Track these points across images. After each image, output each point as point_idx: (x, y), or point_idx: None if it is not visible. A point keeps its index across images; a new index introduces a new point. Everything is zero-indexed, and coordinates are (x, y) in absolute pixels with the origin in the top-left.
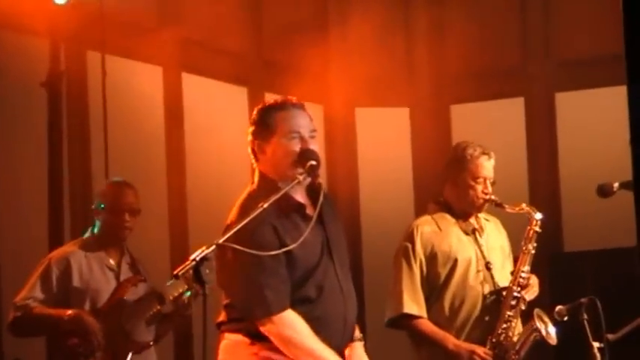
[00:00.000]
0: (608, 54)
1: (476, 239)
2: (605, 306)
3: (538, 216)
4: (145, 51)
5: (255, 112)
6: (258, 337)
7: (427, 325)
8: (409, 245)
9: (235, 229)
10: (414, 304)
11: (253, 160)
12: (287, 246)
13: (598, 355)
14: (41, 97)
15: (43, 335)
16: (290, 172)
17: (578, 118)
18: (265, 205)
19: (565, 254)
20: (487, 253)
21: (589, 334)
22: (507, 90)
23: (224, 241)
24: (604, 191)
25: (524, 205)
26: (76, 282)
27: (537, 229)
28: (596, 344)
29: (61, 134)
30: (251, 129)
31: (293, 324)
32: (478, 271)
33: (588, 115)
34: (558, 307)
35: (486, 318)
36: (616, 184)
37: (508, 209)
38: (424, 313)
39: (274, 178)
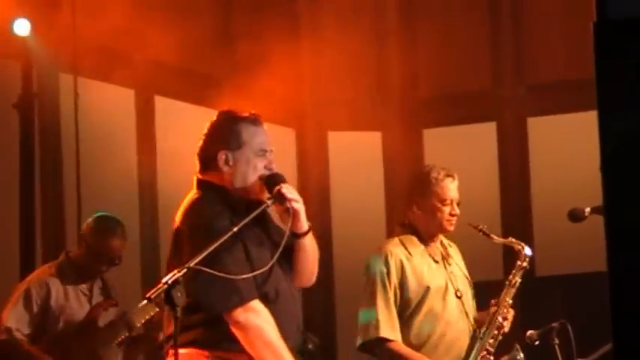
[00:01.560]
0: (579, 79)
1: (445, 267)
2: (576, 330)
3: (528, 252)
4: (117, 74)
5: (217, 118)
6: (209, 346)
7: (401, 347)
8: (384, 269)
9: (208, 251)
10: (389, 328)
11: (200, 167)
12: (245, 243)
13: None
14: (13, 119)
15: None
16: (255, 191)
17: (550, 143)
18: (235, 230)
19: (536, 279)
20: (456, 282)
21: (560, 359)
22: (479, 114)
23: (195, 264)
24: (575, 216)
25: (512, 239)
26: (53, 307)
27: (526, 264)
28: None
29: (32, 156)
30: (210, 134)
31: (263, 313)
32: (449, 299)
33: (560, 139)
34: (529, 332)
35: (457, 346)
36: (587, 209)
37: (496, 240)
38: (398, 337)
39: (228, 188)
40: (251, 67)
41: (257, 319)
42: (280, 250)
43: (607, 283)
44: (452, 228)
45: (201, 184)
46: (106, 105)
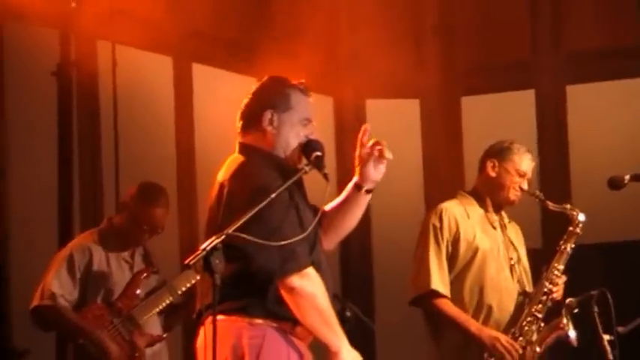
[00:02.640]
0: (618, 46)
1: (502, 234)
2: (616, 298)
3: (581, 217)
4: (155, 41)
5: (268, 80)
6: (257, 315)
7: (450, 306)
8: (437, 224)
9: (247, 217)
10: (440, 282)
11: (242, 128)
12: (298, 208)
13: (608, 347)
14: (52, 87)
15: (58, 334)
16: (293, 157)
17: (589, 111)
18: (273, 195)
19: (576, 246)
20: (509, 250)
21: (599, 327)
22: (518, 82)
23: (234, 230)
24: (615, 183)
25: (568, 206)
26: (95, 273)
27: (579, 230)
28: (606, 337)
29: (71, 123)
30: (264, 95)
31: (318, 280)
32: (499, 265)
33: (599, 107)
34: (569, 300)
35: (502, 311)
36: (627, 177)
37: (552, 207)
38: (449, 293)
39: (272, 152)
40: (289, 35)
41: (312, 286)
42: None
43: None
44: (515, 200)
45: (245, 148)
46: (143, 73)
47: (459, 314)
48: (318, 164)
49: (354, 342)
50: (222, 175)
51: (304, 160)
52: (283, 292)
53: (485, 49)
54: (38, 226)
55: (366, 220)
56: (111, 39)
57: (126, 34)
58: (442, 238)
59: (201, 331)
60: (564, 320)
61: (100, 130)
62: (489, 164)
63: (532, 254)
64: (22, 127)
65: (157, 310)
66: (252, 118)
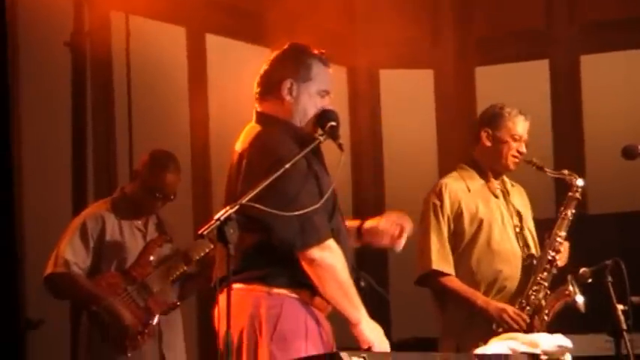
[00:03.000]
0: (633, 16)
1: (505, 202)
2: (630, 268)
3: (580, 182)
4: (168, 11)
5: (289, 48)
6: (277, 284)
7: (455, 282)
8: (437, 202)
9: (261, 187)
10: (442, 261)
11: (260, 95)
12: (318, 178)
13: (622, 317)
14: (65, 57)
15: (71, 300)
16: (309, 126)
17: (603, 81)
18: (287, 166)
19: (589, 216)
20: (513, 217)
21: (613, 297)
22: (532, 52)
23: (248, 200)
24: (629, 153)
25: (565, 171)
26: (108, 241)
27: (578, 195)
28: (620, 306)
29: (85, 93)
30: (284, 63)
31: (338, 251)
32: (504, 233)
33: (613, 77)
34: (582, 269)
35: (513, 280)
36: None
37: (549, 173)
38: (452, 271)
39: (289, 121)
40: (302, 5)
41: (332, 258)
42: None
43: None
44: (514, 167)
45: (263, 117)
46: (157, 43)
47: (464, 289)
48: (333, 134)
49: (369, 311)
50: (241, 144)
51: (319, 130)
52: (304, 264)
53: (499, 19)
54: (52, 195)
55: (380, 192)
56: (124, 9)
57: (139, 5)
58: (443, 216)
59: (220, 299)
60: (570, 287)
61: (113, 100)
62: (483, 134)
63: (546, 224)
64: (36, 96)
65: (172, 278)
66: (271, 85)
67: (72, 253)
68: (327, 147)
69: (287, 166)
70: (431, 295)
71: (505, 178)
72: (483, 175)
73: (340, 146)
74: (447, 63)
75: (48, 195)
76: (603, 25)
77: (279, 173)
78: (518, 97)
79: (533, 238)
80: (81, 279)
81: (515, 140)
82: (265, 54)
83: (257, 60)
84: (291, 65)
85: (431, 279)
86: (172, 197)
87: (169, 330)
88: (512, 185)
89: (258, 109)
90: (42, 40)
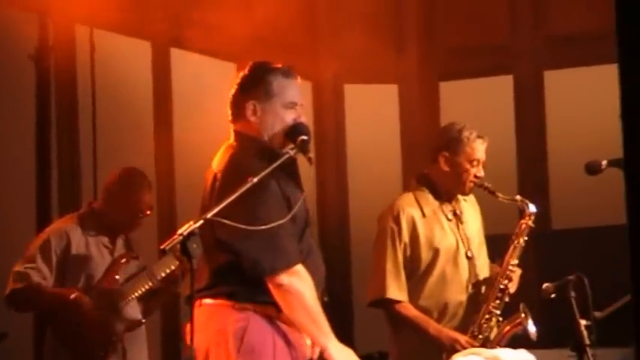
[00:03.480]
0: (597, 31)
1: (457, 226)
2: (593, 283)
3: (532, 209)
4: (133, 25)
5: (250, 68)
6: (245, 300)
7: (409, 310)
8: (395, 228)
9: (226, 203)
10: (396, 288)
11: (231, 117)
12: (289, 200)
13: (585, 332)
14: (29, 71)
15: (39, 311)
16: (279, 141)
17: (567, 96)
18: (255, 180)
19: (553, 232)
20: (467, 242)
21: (576, 312)
22: (496, 67)
23: (213, 215)
24: (592, 169)
25: (518, 197)
26: (73, 257)
27: (531, 223)
28: (583, 322)
29: (49, 106)
30: (241, 84)
31: (306, 276)
32: (460, 261)
33: (577, 93)
34: (545, 285)
35: (466, 308)
36: (604, 162)
37: (501, 198)
38: (406, 298)
39: (259, 140)
40: (266, 20)
41: (300, 284)
42: (299, 204)
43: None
44: (470, 191)
45: (237, 135)
46: (122, 57)
47: (417, 317)
48: (304, 148)
49: (333, 326)
50: (217, 164)
51: (290, 144)
52: (271, 288)
53: (463, 34)
54: (16, 211)
55: (344, 206)
56: (89, 23)
57: (104, 19)
58: (400, 242)
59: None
60: (522, 315)
61: (78, 114)
62: (441, 159)
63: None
64: (0, 111)
65: (137, 295)
66: (237, 108)
67: (32, 269)
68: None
69: (255, 180)
70: (385, 318)
71: (458, 196)
72: (438, 197)
73: (310, 160)
74: (411, 77)
75: (11, 210)
76: (567, 40)
77: (242, 190)
78: (482, 112)
79: (484, 257)
80: (42, 286)
81: (473, 166)
82: (230, 68)
83: (222, 74)
84: (253, 87)
85: (384, 304)
86: (149, 213)
87: (133, 347)
88: (465, 200)
89: (234, 128)
90: (6, 53)
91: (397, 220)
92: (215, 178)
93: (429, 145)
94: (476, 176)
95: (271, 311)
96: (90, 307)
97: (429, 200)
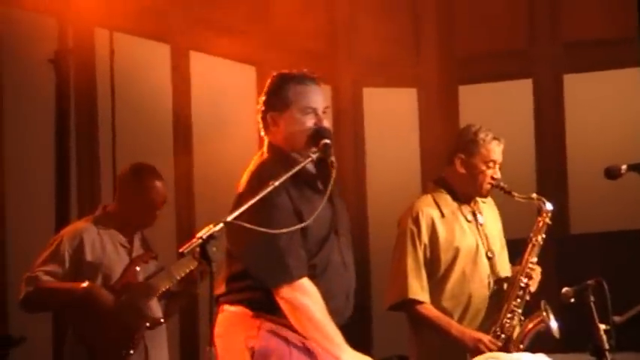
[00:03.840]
0: (616, 36)
1: (477, 227)
2: (612, 288)
3: (549, 207)
4: (152, 28)
5: (270, 81)
6: (261, 309)
7: (431, 311)
8: (415, 229)
9: (245, 207)
10: (418, 289)
11: (262, 131)
12: (301, 214)
13: (604, 337)
14: (49, 75)
15: (55, 309)
16: (302, 147)
17: (586, 100)
18: (276, 184)
19: (572, 236)
20: (487, 242)
21: (595, 316)
22: (515, 71)
23: (233, 218)
24: (612, 173)
25: (534, 195)
26: (88, 258)
27: (548, 220)
28: (602, 326)
29: (68, 110)
30: (263, 98)
31: (311, 292)
32: (480, 261)
33: (596, 97)
34: (565, 289)
35: (487, 308)
36: (624, 167)
37: (517, 198)
38: (428, 299)
39: (286, 150)
40: (286, 23)
41: (303, 299)
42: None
43: None
44: (488, 193)
45: (269, 147)
46: (141, 60)
47: (439, 318)
48: (326, 151)
49: (351, 330)
50: (248, 169)
51: (313, 148)
52: (278, 300)
53: (483, 38)
54: (35, 215)
55: (363, 211)
56: (108, 26)
57: (123, 22)
58: (420, 243)
59: (218, 318)
60: (544, 313)
61: (97, 118)
62: (457, 161)
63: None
64: (20, 114)
65: (157, 294)
66: (264, 121)
67: (44, 272)
68: None
69: (276, 183)
70: (406, 319)
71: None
72: (456, 199)
73: (332, 164)
74: (431, 82)
75: (31, 214)
76: (586, 44)
77: (261, 195)
78: (501, 116)
79: (504, 258)
80: (51, 283)
81: (489, 167)
82: (250, 72)
83: (241, 78)
84: (271, 98)
85: (406, 306)
86: (162, 205)
87: (155, 346)
88: (484, 202)
89: (265, 136)
90: (25, 57)
91: (417, 222)
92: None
93: (446, 148)
94: (493, 178)
95: (288, 321)
96: (107, 297)
97: (447, 201)
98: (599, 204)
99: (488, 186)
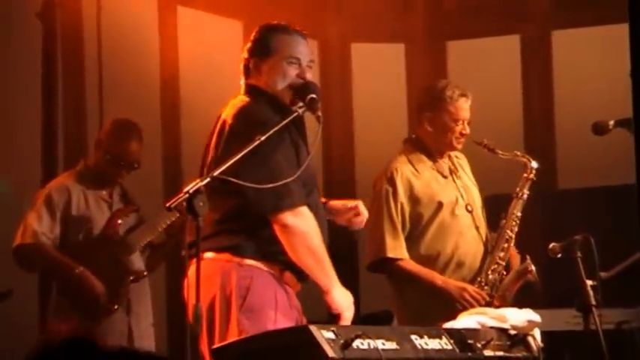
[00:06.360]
0: None
1: (454, 182)
2: (599, 244)
3: (534, 164)
4: None
5: (256, 31)
6: (250, 254)
7: (411, 264)
8: (390, 189)
9: (233, 160)
10: (395, 247)
11: (242, 76)
12: (298, 156)
13: (591, 292)
14: (36, 28)
15: (42, 272)
16: (287, 98)
17: (575, 56)
18: (262, 138)
19: (559, 191)
20: (466, 195)
21: (582, 272)
22: (503, 27)
23: (219, 173)
24: (599, 129)
25: (518, 153)
26: (74, 212)
27: (532, 177)
28: (589, 282)
29: (55, 64)
30: (248, 46)
31: (311, 219)
32: (459, 213)
33: (584, 53)
34: (552, 245)
35: (469, 256)
36: (611, 122)
37: (501, 155)
38: (406, 255)
39: (269, 92)
40: None
41: (305, 225)
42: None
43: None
44: (460, 146)
45: (249, 88)
46: (128, 14)
47: (421, 270)
48: (313, 106)
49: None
50: (227, 112)
51: (299, 102)
52: (276, 229)
53: None
54: (22, 165)
55: (350, 165)
56: None
57: None
58: (396, 202)
59: (190, 270)
60: (532, 267)
61: (84, 70)
62: (425, 119)
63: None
64: (6, 66)
65: (139, 247)
66: (245, 68)
67: (39, 224)
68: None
69: (263, 138)
70: (387, 281)
71: (450, 153)
72: (430, 156)
73: (319, 119)
74: (418, 37)
75: (17, 165)
76: (574, 0)
77: (250, 147)
78: (489, 72)
79: (480, 210)
80: (50, 249)
81: (457, 124)
82: (236, 27)
83: (227, 32)
84: (254, 45)
85: (385, 265)
86: (136, 166)
87: (138, 300)
88: (457, 157)
89: (245, 82)
90: (13, 11)
91: (391, 181)
92: (223, 124)
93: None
94: (461, 134)
95: (276, 270)
96: (91, 253)
97: (421, 159)
98: (587, 159)
99: (458, 141)
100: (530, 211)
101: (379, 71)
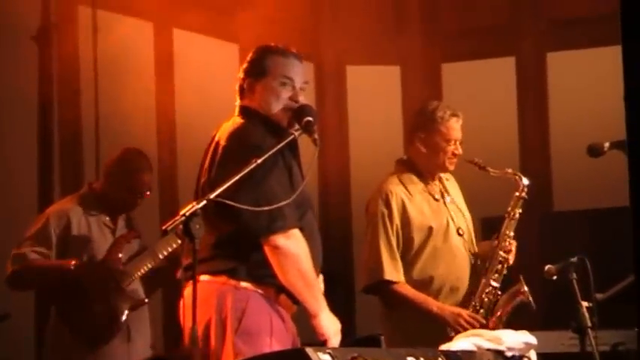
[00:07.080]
0: (600, 13)
1: (445, 205)
2: (595, 265)
3: (525, 182)
4: (136, 6)
5: (252, 52)
6: (244, 277)
7: (407, 289)
8: (385, 211)
9: (230, 183)
10: (393, 270)
11: (237, 97)
12: (292, 173)
13: (586, 314)
14: (32, 51)
15: (42, 287)
16: (277, 116)
17: (570, 78)
18: (259, 161)
19: (555, 213)
20: (456, 218)
21: (578, 294)
22: (498, 49)
23: (217, 195)
24: (594, 151)
25: (509, 170)
26: (74, 237)
27: (524, 195)
28: (584, 303)
29: (51, 87)
30: (244, 66)
31: (303, 243)
32: (451, 238)
33: (579, 75)
34: (547, 267)
35: (463, 281)
36: (606, 144)
37: (492, 173)
38: (402, 279)
39: (262, 114)
40: (269, 1)
41: (296, 248)
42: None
43: (628, 218)
44: (452, 167)
45: (244, 109)
46: (124, 38)
47: (417, 295)
48: (309, 129)
49: (334, 308)
50: (220, 133)
51: (296, 125)
52: (267, 250)
53: (466, 15)
54: (18, 191)
55: (345, 188)
56: (91, 4)
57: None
58: (392, 225)
59: (185, 292)
60: (524, 287)
61: (80, 95)
62: (417, 140)
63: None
64: (2, 91)
65: (140, 274)
66: (240, 87)
67: (31, 250)
68: (301, 142)
69: (259, 161)
70: (379, 303)
71: (441, 174)
72: (422, 178)
73: (315, 141)
74: (414, 59)
75: (13, 191)
76: (570, 22)
77: (247, 170)
78: (484, 94)
79: (470, 233)
80: (39, 261)
81: (449, 144)
82: (232, 50)
83: (223, 55)
84: (249, 66)
85: (382, 287)
86: (149, 194)
87: (137, 326)
88: (447, 179)
89: (239, 103)
90: (8, 34)
91: (387, 203)
92: (217, 146)
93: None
94: (454, 154)
95: (270, 293)
96: (92, 280)
97: (413, 181)
98: (582, 182)
99: (451, 162)
100: (526, 232)
101: (374, 93)
